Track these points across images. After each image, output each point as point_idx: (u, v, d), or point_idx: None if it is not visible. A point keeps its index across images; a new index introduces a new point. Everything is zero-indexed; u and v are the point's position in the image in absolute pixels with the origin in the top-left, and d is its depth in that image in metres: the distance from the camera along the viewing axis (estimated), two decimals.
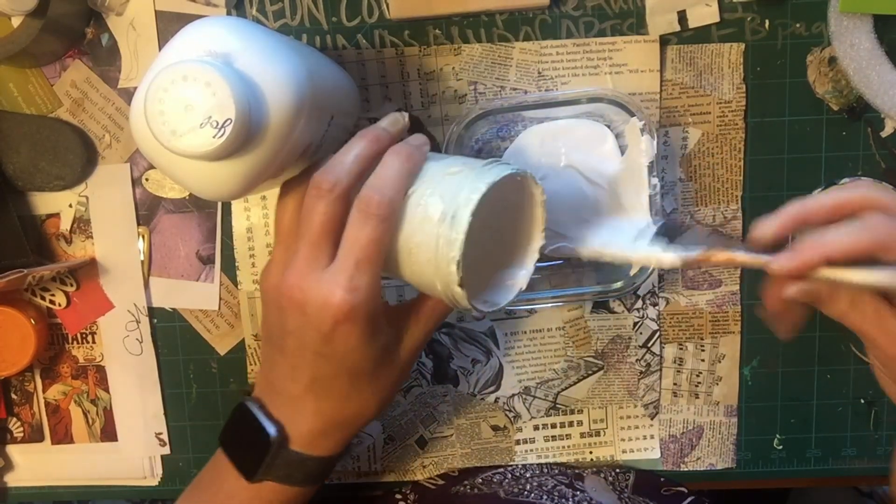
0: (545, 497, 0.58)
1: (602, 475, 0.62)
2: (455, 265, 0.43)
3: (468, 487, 0.62)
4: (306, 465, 0.49)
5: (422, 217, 0.44)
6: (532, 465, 0.64)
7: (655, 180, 0.55)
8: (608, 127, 0.58)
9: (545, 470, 0.63)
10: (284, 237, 0.47)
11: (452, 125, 0.56)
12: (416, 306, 0.50)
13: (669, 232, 0.61)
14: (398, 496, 0.63)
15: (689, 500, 0.62)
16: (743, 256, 0.45)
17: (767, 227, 0.43)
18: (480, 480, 0.62)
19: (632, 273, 0.58)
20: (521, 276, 0.50)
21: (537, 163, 0.59)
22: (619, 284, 0.58)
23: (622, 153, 0.58)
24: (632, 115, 0.55)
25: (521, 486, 0.60)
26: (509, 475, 0.62)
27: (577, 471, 0.62)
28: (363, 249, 0.43)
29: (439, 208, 0.44)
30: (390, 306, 0.49)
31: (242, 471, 0.49)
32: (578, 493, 0.59)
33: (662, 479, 0.64)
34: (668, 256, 0.49)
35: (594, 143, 0.59)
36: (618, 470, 0.64)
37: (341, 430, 0.49)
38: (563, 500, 0.57)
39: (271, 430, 0.48)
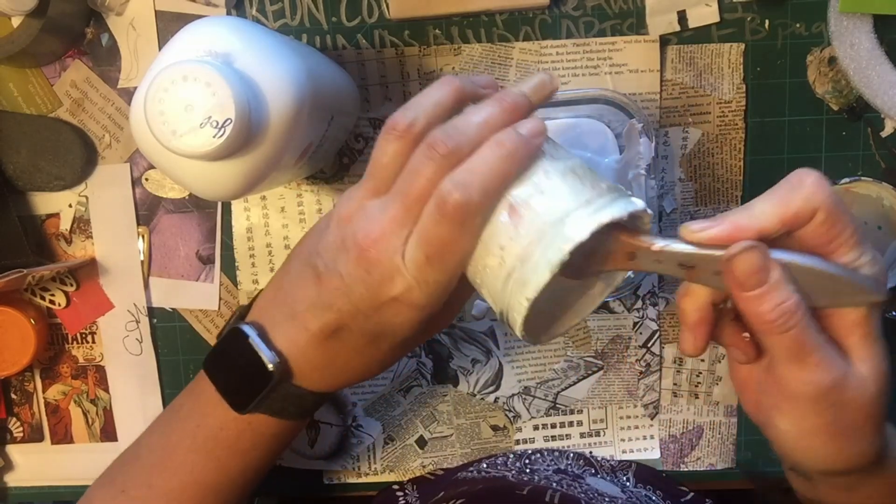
0: (554, 484, 0.58)
1: (599, 476, 0.63)
2: (525, 307, 0.37)
3: (474, 472, 0.62)
4: (303, 400, 0.46)
5: (509, 228, 0.38)
6: (535, 454, 0.64)
7: (653, 182, 0.55)
8: (608, 126, 0.58)
9: (549, 465, 0.63)
10: (380, 176, 0.40)
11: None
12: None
13: None
14: (397, 490, 0.63)
15: (690, 496, 0.62)
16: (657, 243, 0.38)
17: (704, 229, 0.37)
18: (486, 465, 0.62)
19: (630, 274, 0.58)
20: (583, 307, 0.44)
21: None
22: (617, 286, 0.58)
23: (620, 153, 0.58)
24: (631, 116, 0.55)
25: (528, 476, 0.60)
26: (514, 469, 0.62)
27: (576, 472, 0.63)
28: (436, 249, 0.38)
29: (532, 230, 0.37)
30: None
31: (232, 402, 0.45)
32: (585, 485, 0.59)
33: (664, 476, 0.64)
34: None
35: (592, 141, 0.59)
36: (616, 469, 0.64)
37: (342, 375, 0.46)
38: (571, 490, 0.57)
39: (272, 362, 0.43)
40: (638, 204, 0.38)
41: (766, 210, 0.37)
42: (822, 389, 0.37)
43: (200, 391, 0.48)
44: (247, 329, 0.44)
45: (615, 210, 0.37)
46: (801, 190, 0.37)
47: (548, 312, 0.44)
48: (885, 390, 0.39)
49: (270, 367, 0.43)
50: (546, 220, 0.37)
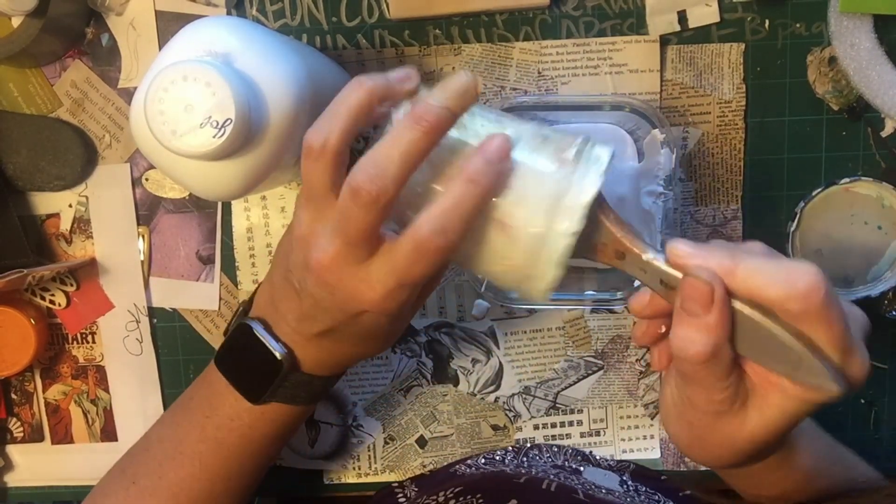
0: (551, 475, 0.58)
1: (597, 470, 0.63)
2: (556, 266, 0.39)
3: (472, 468, 0.62)
4: (312, 386, 0.48)
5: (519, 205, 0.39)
6: (532, 449, 0.64)
7: (670, 193, 0.55)
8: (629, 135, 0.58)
9: (546, 461, 0.63)
10: (313, 198, 0.41)
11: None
12: None
13: None
14: (396, 487, 0.63)
15: (688, 492, 0.62)
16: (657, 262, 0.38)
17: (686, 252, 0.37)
18: (483, 461, 0.63)
19: (636, 283, 0.58)
20: None
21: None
22: (623, 294, 0.58)
23: (640, 162, 0.58)
24: (654, 126, 0.55)
25: (525, 468, 0.60)
26: (511, 466, 0.62)
27: (573, 466, 0.63)
28: (408, 277, 0.39)
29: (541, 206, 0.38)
30: None
31: (246, 393, 0.48)
32: (583, 478, 0.59)
33: (663, 478, 0.64)
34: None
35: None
36: (613, 468, 0.64)
37: (344, 361, 0.49)
38: (568, 481, 0.57)
39: (280, 352, 0.46)
40: (600, 167, 0.39)
41: (758, 280, 0.36)
42: (683, 409, 0.40)
43: (209, 384, 0.50)
44: (253, 324, 0.47)
45: (587, 189, 0.38)
46: (797, 288, 0.35)
47: None
48: (760, 441, 0.39)
49: (279, 356, 0.46)
50: (536, 221, 0.38)
